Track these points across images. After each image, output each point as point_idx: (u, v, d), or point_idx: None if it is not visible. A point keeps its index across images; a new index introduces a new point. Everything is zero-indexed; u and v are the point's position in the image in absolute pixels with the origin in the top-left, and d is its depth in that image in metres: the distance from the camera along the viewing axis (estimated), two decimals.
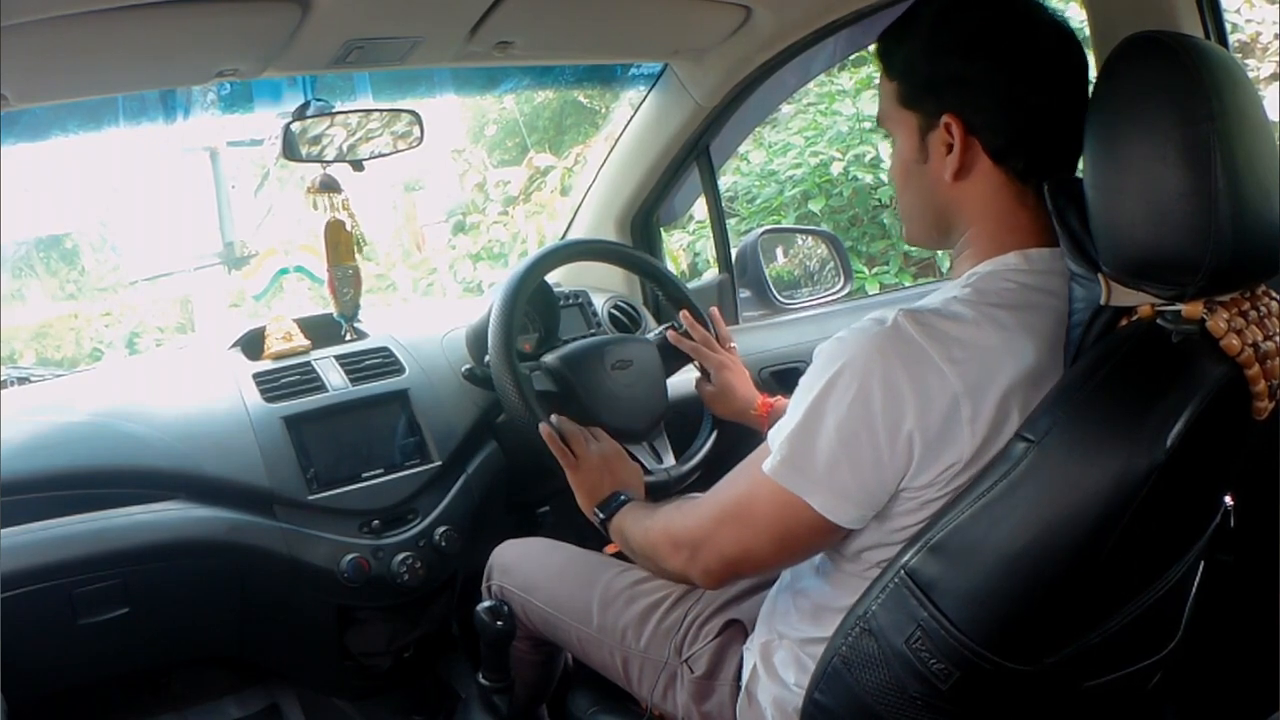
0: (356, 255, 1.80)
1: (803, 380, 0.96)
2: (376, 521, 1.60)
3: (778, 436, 0.97)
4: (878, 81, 1.07)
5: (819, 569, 1.08)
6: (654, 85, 1.93)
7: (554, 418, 1.41)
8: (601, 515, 1.29)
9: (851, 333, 0.94)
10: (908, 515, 0.96)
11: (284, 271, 5.54)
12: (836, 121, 4.74)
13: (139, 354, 5.55)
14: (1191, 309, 0.85)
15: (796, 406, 0.96)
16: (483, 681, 1.49)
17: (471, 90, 4.58)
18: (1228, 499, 1.03)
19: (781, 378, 1.92)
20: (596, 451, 1.36)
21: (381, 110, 1.72)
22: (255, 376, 1.67)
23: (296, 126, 1.63)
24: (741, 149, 4.45)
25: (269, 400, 1.63)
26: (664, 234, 2.31)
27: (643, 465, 1.61)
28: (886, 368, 0.90)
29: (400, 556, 1.58)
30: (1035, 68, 0.95)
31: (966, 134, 0.96)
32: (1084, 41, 1.01)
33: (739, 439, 1.57)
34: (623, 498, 1.28)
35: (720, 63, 1.78)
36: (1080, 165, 0.90)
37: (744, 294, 2.16)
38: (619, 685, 1.34)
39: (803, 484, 0.94)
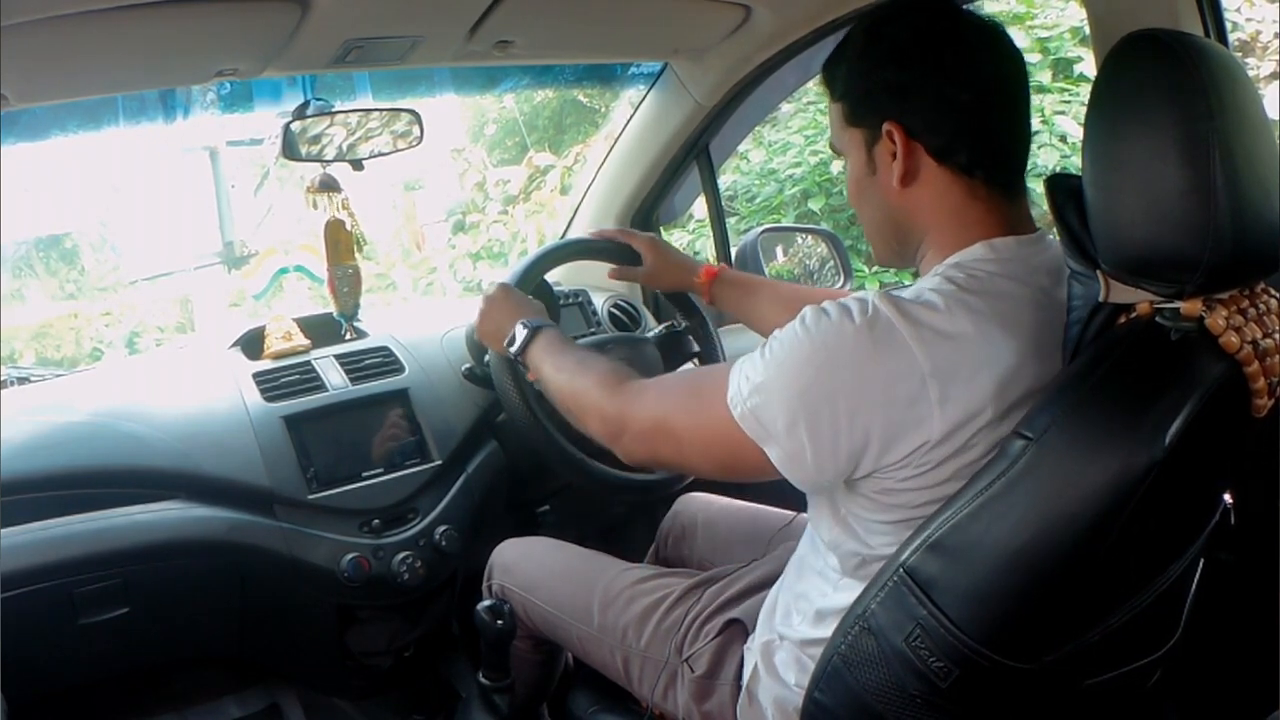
0: (356, 255, 1.81)
1: (783, 333, 0.97)
2: (377, 521, 1.60)
3: (748, 378, 0.98)
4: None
5: (819, 570, 1.09)
6: (654, 84, 1.93)
7: None
8: (514, 350, 1.33)
9: (833, 306, 0.95)
10: (887, 495, 0.96)
11: (284, 271, 5.54)
12: None
13: (139, 354, 5.55)
14: (1190, 306, 0.85)
15: (769, 358, 0.97)
16: (483, 681, 1.49)
17: (471, 89, 4.58)
18: (1227, 497, 1.03)
19: None
20: (487, 297, 1.42)
21: (381, 110, 1.73)
22: (255, 376, 1.67)
23: (296, 126, 1.63)
24: (741, 148, 4.45)
25: (269, 400, 1.63)
26: (664, 233, 2.30)
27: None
28: (858, 344, 0.91)
29: (400, 556, 1.58)
30: (965, 66, 0.99)
31: (908, 139, 0.99)
32: (1083, 40, 1.02)
33: None
34: (535, 325, 1.32)
35: (720, 62, 1.78)
36: (1080, 163, 0.91)
37: None
38: (619, 685, 1.35)
39: (763, 435, 0.96)
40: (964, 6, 1.04)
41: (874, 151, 1.03)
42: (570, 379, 1.22)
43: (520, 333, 1.33)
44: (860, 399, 0.91)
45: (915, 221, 1.03)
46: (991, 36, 1.02)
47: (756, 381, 0.97)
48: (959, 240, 1.00)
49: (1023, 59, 1.04)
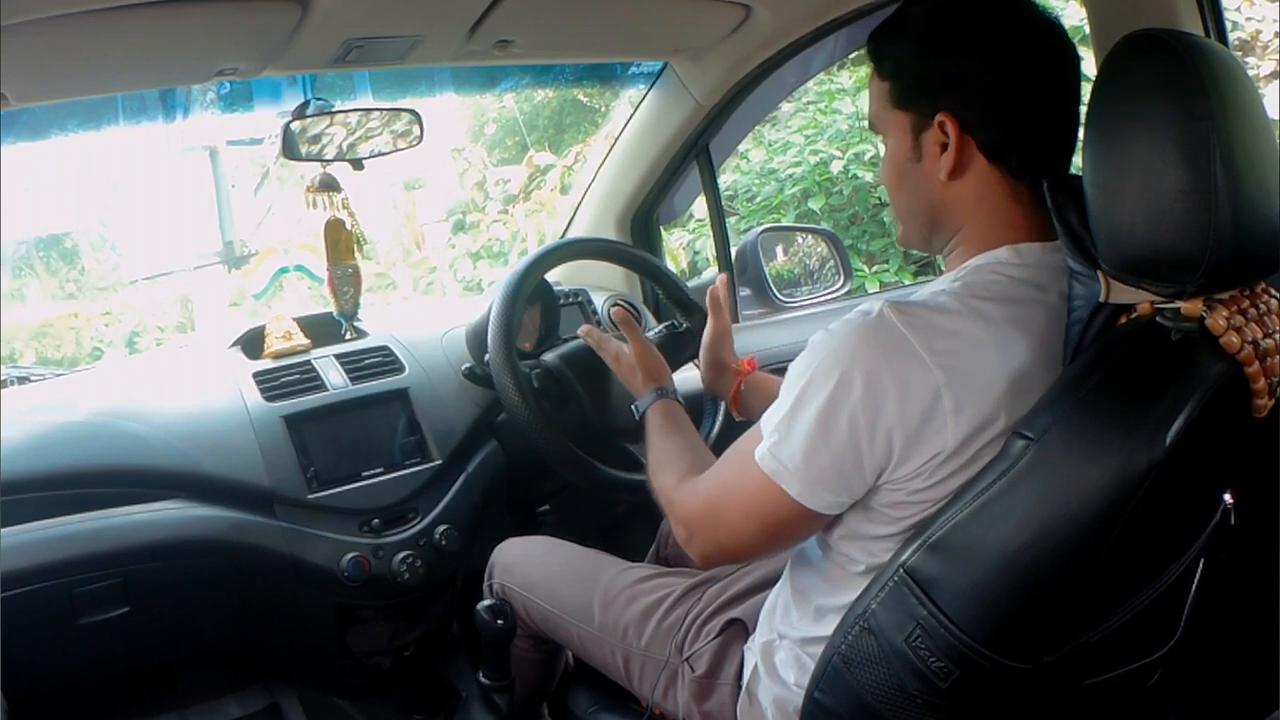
0: (356, 254, 1.80)
1: (792, 369, 0.97)
2: (377, 520, 1.60)
3: (769, 423, 0.98)
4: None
5: (819, 569, 1.08)
6: (654, 84, 1.93)
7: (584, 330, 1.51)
8: (635, 416, 1.34)
9: (839, 324, 0.94)
10: (895, 509, 0.96)
11: (284, 270, 5.53)
12: (836, 120, 4.74)
13: (139, 353, 5.55)
14: (1191, 306, 0.85)
15: (785, 395, 0.96)
16: (483, 680, 1.49)
17: (471, 89, 4.57)
18: (1227, 497, 1.03)
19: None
20: (627, 354, 1.42)
21: (381, 109, 1.72)
22: (255, 375, 1.67)
23: (296, 125, 1.63)
24: (741, 147, 4.46)
25: (269, 399, 1.63)
26: (664, 232, 2.31)
27: (644, 464, 1.61)
28: (870, 358, 0.90)
29: (401, 555, 1.58)
30: (1028, 65, 0.96)
31: (961, 132, 0.96)
32: (1083, 40, 1.02)
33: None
34: (649, 400, 1.33)
35: (720, 61, 1.78)
36: (1079, 162, 0.91)
37: (744, 292, 2.16)
38: (620, 684, 1.35)
39: (781, 471, 0.95)
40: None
41: (921, 138, 0.99)
42: (663, 470, 1.20)
43: (644, 402, 1.34)
44: (878, 405, 0.90)
45: (954, 214, 1.01)
46: (1058, 34, 0.98)
47: (776, 420, 0.96)
48: (990, 240, 0.99)
49: (1080, 61, 1.01)
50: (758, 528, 1.01)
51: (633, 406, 1.36)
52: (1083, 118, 0.92)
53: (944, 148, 0.97)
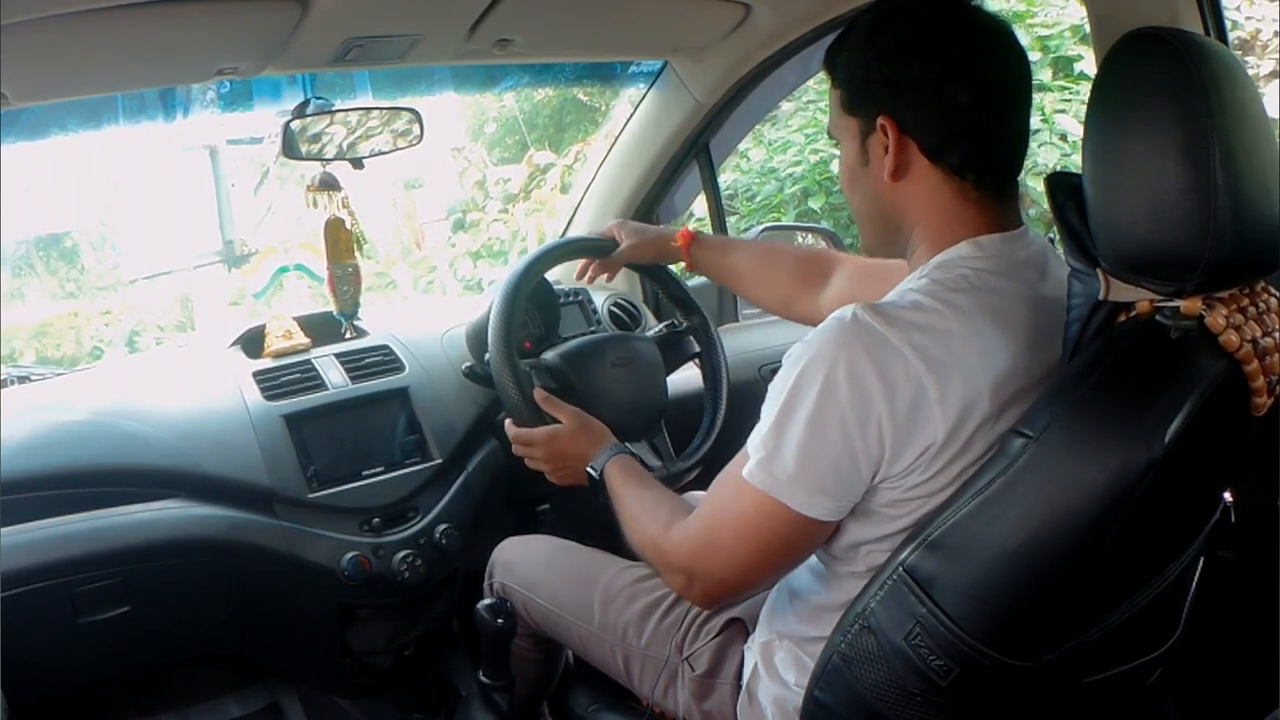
0: (356, 253, 1.80)
1: (772, 385, 0.98)
2: (377, 519, 1.60)
3: (753, 441, 0.98)
4: None
5: (818, 570, 1.09)
6: (654, 83, 1.93)
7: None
8: (594, 476, 1.30)
9: (814, 333, 0.95)
10: (894, 507, 0.96)
11: (284, 270, 5.52)
12: None
13: (139, 352, 5.54)
14: (1190, 305, 0.85)
15: (768, 410, 0.97)
16: (483, 679, 1.49)
17: (471, 88, 4.57)
18: (1227, 495, 1.03)
19: None
20: (564, 430, 1.40)
21: (381, 108, 1.73)
22: (255, 375, 1.67)
23: (296, 124, 1.63)
24: (741, 146, 4.45)
25: (269, 398, 1.63)
26: None
27: (643, 463, 1.61)
28: (850, 358, 0.91)
29: (401, 554, 1.58)
30: (965, 67, 0.98)
31: (901, 134, 0.99)
32: (1083, 39, 1.02)
33: (739, 437, 1.57)
34: (601, 463, 1.30)
35: (720, 60, 1.78)
36: (1080, 161, 0.91)
37: None
38: (620, 683, 1.35)
39: (775, 484, 0.95)
40: (973, 4, 1.03)
41: (867, 142, 1.03)
42: (636, 517, 1.18)
43: (598, 463, 1.31)
44: (865, 402, 0.91)
45: (904, 215, 1.03)
46: (996, 37, 1.01)
47: (761, 434, 0.96)
48: (947, 237, 1.00)
49: (1026, 61, 1.03)
50: (758, 551, 1.00)
51: (589, 469, 1.32)
52: (1082, 116, 0.92)
53: (886, 149, 1.00)
